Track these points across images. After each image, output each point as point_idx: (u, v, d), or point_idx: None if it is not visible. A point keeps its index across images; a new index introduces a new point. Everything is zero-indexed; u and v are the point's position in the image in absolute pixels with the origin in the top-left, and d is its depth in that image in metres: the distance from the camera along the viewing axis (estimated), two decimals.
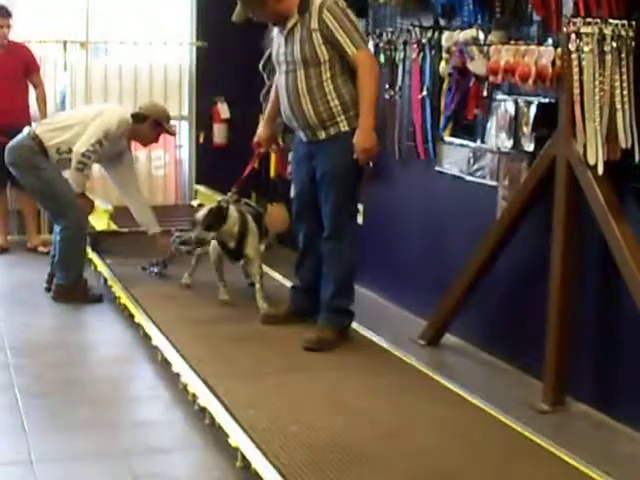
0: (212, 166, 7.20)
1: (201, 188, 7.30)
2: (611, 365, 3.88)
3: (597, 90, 3.59)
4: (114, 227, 6.52)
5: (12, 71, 6.51)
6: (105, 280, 5.72)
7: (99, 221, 6.57)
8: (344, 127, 4.30)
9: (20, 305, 5.41)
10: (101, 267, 5.93)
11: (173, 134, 6.04)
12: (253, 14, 4.41)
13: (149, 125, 5.53)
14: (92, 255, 6.16)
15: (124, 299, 5.24)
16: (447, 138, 4.87)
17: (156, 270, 5.81)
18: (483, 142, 4.53)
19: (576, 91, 3.63)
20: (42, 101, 6.69)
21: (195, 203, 7.12)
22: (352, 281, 4.59)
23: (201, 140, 7.39)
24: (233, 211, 4.93)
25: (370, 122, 4.23)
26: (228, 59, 7.02)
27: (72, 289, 5.43)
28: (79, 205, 5.43)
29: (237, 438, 3.37)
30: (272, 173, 6.75)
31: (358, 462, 3.23)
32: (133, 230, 6.43)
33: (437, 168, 4.97)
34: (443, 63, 4.71)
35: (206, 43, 7.25)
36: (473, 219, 4.70)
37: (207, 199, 6.98)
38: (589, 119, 3.62)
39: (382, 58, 5.26)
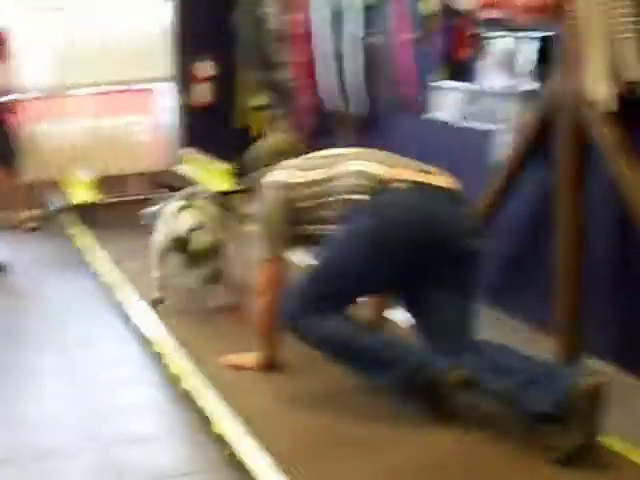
0: (194, 128, 7.05)
1: (186, 152, 7.06)
2: (630, 317, 3.64)
3: (600, 20, 3.33)
4: (98, 198, 6.39)
5: None
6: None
7: (81, 193, 6.42)
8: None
9: None
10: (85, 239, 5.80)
11: None
12: None
13: None
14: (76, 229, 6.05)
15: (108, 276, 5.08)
16: (437, 82, 4.65)
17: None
18: (477, 84, 4.32)
19: (577, 22, 3.37)
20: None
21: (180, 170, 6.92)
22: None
23: (186, 101, 7.14)
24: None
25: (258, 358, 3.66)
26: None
27: None
28: None
29: (224, 425, 3.24)
30: None
31: (347, 446, 3.07)
32: (120, 200, 6.45)
33: (428, 115, 4.75)
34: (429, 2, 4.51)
35: None
36: (469, 167, 4.42)
37: (192, 163, 6.80)
38: (593, 51, 3.36)
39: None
